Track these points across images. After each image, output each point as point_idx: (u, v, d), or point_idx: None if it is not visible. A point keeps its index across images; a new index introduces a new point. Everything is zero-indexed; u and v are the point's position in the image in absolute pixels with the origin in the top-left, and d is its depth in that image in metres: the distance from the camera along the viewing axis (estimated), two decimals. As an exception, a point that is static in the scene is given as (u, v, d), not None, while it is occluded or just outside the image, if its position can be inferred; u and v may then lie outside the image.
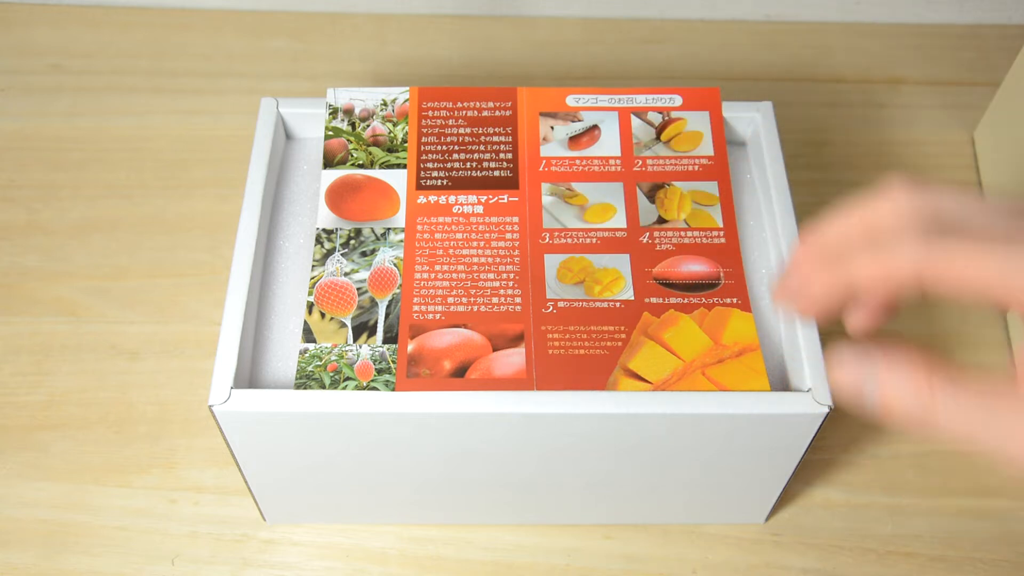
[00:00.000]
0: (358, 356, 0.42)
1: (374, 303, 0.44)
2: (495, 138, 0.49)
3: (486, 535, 0.51)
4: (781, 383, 0.44)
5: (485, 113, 0.49)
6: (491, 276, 0.44)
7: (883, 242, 0.30)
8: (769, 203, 0.47)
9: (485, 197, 0.47)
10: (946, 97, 0.69)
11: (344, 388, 0.41)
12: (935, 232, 0.29)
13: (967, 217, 0.30)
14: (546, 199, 0.47)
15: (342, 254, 0.45)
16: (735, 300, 0.44)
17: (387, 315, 0.43)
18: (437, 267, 0.45)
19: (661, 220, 0.46)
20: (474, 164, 0.48)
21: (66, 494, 0.52)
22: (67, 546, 0.50)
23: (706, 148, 0.49)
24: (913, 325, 0.58)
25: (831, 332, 0.43)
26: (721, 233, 0.46)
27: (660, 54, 0.71)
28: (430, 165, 0.48)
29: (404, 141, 0.49)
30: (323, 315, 0.43)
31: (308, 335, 0.43)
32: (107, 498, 0.52)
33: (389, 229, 0.46)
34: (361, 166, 0.48)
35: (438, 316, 0.43)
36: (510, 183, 0.47)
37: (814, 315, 0.33)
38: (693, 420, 0.41)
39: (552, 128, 0.49)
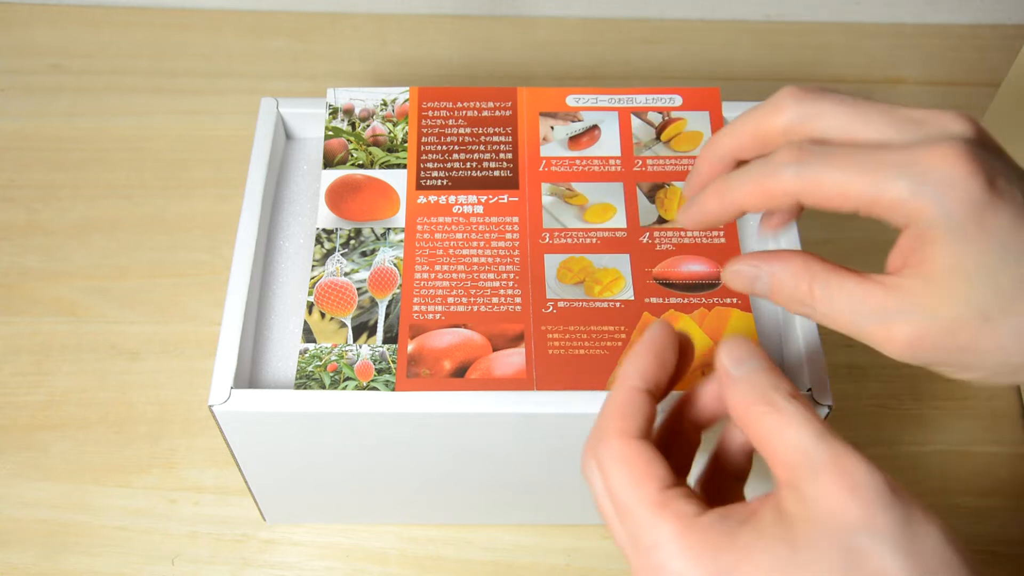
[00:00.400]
0: (358, 356, 0.42)
1: (374, 303, 0.44)
2: (495, 138, 0.49)
3: (486, 535, 0.51)
4: (781, 383, 0.43)
5: (485, 113, 0.49)
6: (491, 276, 0.44)
7: (764, 160, 0.33)
8: (769, 203, 0.47)
9: (485, 197, 0.47)
10: (946, 97, 0.69)
11: (344, 388, 0.41)
12: (811, 150, 0.32)
13: (849, 126, 0.33)
14: (546, 199, 0.47)
15: (342, 254, 0.45)
16: (735, 300, 0.44)
17: (387, 315, 0.43)
18: (437, 267, 0.45)
19: (661, 220, 0.46)
20: (474, 164, 0.48)
21: (66, 494, 0.52)
22: (67, 546, 0.50)
23: (706, 148, 0.49)
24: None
25: (831, 332, 0.43)
26: (721, 233, 0.46)
27: (660, 54, 0.71)
28: (430, 165, 0.48)
29: (404, 141, 0.49)
30: (323, 315, 0.43)
31: (308, 335, 0.43)
32: (107, 498, 0.52)
33: (389, 229, 0.46)
34: (361, 166, 0.48)
35: (438, 316, 0.43)
36: (510, 183, 0.47)
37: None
38: (693, 420, 0.41)
39: (552, 128, 0.49)
